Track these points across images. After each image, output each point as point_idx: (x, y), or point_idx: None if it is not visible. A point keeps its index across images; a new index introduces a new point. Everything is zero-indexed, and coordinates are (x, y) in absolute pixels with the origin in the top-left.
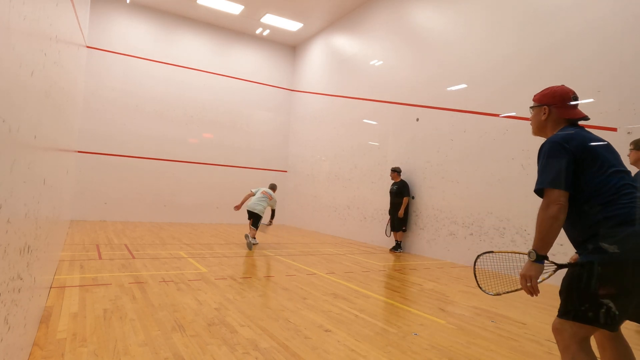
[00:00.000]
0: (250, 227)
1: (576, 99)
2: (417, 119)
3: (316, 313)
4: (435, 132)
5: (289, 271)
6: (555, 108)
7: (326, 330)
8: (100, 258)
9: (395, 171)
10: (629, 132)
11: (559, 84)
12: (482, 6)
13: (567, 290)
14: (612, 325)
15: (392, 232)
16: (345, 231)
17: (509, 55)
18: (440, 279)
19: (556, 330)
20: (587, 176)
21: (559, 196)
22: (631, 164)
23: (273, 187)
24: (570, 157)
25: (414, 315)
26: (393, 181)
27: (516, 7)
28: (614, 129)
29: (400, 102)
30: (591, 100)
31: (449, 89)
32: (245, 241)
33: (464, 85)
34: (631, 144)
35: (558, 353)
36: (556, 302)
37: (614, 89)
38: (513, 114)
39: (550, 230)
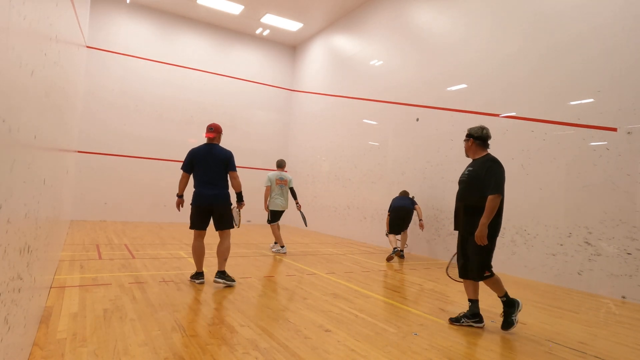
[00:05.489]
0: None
1: (209, 129)
2: (417, 119)
3: (316, 313)
4: (435, 132)
5: (289, 271)
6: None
7: (326, 330)
8: (100, 258)
9: None
10: (629, 132)
11: (559, 84)
12: (482, 6)
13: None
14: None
15: None
16: (345, 231)
17: (509, 55)
18: (440, 279)
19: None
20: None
21: (182, 174)
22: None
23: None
24: (189, 158)
25: (414, 315)
26: None
27: (517, 8)
28: (614, 129)
29: (400, 102)
30: (591, 100)
31: (449, 89)
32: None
33: (464, 86)
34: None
35: (558, 353)
36: (556, 302)
37: (614, 89)
38: (513, 114)
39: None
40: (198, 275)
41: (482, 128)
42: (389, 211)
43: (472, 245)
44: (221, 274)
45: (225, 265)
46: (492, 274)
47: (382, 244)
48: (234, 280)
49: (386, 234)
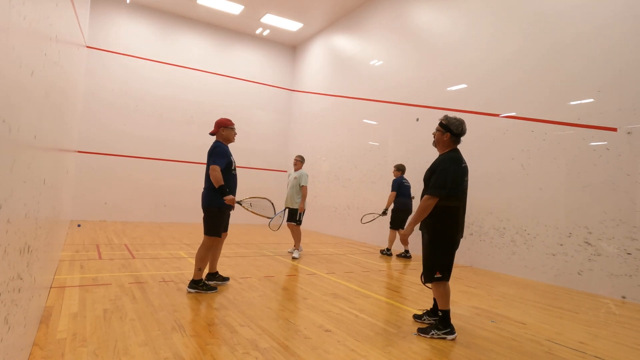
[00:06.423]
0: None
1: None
2: (417, 119)
3: (316, 313)
4: None
5: (289, 271)
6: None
7: (326, 330)
8: (100, 258)
9: None
10: (629, 132)
11: (559, 84)
12: (482, 6)
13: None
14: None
15: None
16: (345, 231)
17: (509, 55)
18: None
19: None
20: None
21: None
22: None
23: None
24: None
25: None
26: None
27: (517, 8)
28: (614, 129)
29: (400, 102)
30: (591, 100)
31: (449, 89)
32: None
33: (464, 86)
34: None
35: (558, 353)
36: (556, 302)
37: (614, 89)
38: (513, 114)
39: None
40: (210, 277)
41: (462, 123)
42: (393, 190)
43: (425, 247)
44: (192, 284)
45: (202, 274)
46: (443, 278)
47: (382, 245)
48: (213, 289)
49: (383, 211)
